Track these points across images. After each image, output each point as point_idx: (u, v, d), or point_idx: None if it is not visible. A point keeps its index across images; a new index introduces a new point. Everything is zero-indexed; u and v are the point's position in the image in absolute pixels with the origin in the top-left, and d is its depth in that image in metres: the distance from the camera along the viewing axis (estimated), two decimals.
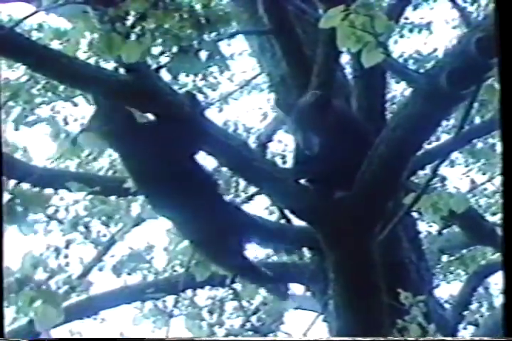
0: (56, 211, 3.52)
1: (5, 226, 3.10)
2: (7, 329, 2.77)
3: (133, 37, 2.26)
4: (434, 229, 4.27)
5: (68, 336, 3.06)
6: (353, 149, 2.56)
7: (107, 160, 4.23)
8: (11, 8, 3.68)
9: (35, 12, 2.53)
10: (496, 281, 4.36)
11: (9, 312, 2.52)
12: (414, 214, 3.60)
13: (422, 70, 3.94)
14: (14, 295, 2.51)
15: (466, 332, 3.92)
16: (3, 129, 3.99)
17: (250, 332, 3.66)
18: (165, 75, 2.48)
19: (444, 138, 3.81)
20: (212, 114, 4.48)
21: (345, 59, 3.43)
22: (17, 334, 2.73)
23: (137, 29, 2.27)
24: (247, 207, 3.74)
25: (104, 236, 3.94)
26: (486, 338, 3.27)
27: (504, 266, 1.31)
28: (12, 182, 3.13)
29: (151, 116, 2.45)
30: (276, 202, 3.37)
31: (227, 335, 3.74)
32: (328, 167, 2.59)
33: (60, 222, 3.51)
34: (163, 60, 2.37)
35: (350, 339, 2.48)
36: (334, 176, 2.58)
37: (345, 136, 2.60)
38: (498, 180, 4.63)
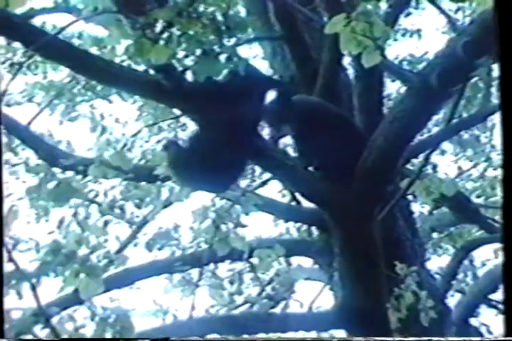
0: (96, 195, 3.53)
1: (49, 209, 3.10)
2: (56, 296, 2.79)
3: (161, 42, 2.26)
4: (426, 209, 4.25)
5: (108, 303, 3.06)
6: (352, 142, 2.56)
7: (139, 151, 4.23)
8: (54, 18, 3.67)
9: (76, 21, 2.53)
10: (479, 255, 4.35)
11: (57, 282, 2.54)
12: (409, 197, 3.59)
13: (415, 71, 3.92)
14: (61, 268, 2.52)
15: (453, 298, 3.91)
16: (48, 124, 4.00)
17: (265, 300, 3.66)
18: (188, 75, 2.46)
19: (435, 130, 3.79)
20: None
21: (347, 61, 3.41)
22: (64, 301, 2.74)
23: (165, 35, 2.26)
24: (262, 191, 3.75)
25: (137, 217, 3.94)
26: (486, 338, 3.24)
27: (504, 267, 1.26)
28: (57, 171, 3.14)
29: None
30: (288, 186, 3.36)
31: (245, 303, 3.74)
32: (332, 156, 2.58)
33: (99, 204, 3.52)
34: (188, 62, 2.36)
35: (350, 339, 2.46)
36: (338, 164, 2.57)
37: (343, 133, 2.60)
38: (482, 167, 4.61)
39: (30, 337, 2.26)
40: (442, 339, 2.92)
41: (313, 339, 2.77)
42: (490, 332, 3.89)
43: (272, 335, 2.97)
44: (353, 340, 2.31)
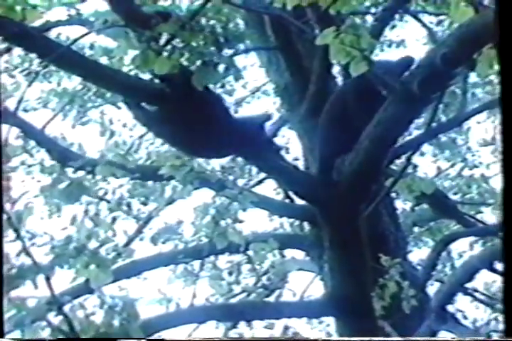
0: (105, 193, 3.52)
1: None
2: (68, 286, 2.78)
3: (165, 54, 2.25)
4: (408, 206, 4.24)
5: (118, 291, 3.04)
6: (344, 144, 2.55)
7: (145, 152, 4.22)
8: (68, 30, 3.65)
9: (88, 33, 2.52)
10: (457, 247, 4.35)
11: (69, 273, 2.53)
12: (393, 195, 3.58)
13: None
14: (73, 260, 2.51)
15: (433, 287, 3.91)
16: (61, 128, 3.99)
17: (261, 289, 3.66)
18: None
19: (416, 133, 3.78)
20: None
21: (336, 70, 3.40)
22: (75, 291, 2.73)
23: (168, 47, 2.25)
24: (258, 189, 3.74)
25: (143, 213, 3.93)
26: (487, 338, 3.22)
27: (505, 268, 1.24)
28: (70, 170, 3.13)
29: None
30: (282, 185, 3.36)
31: (242, 292, 3.73)
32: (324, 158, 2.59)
33: (108, 201, 3.51)
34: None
35: (351, 339, 2.45)
36: (329, 165, 2.57)
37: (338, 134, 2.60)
38: (458, 167, 4.61)
39: (44, 323, 2.25)
40: (443, 339, 2.91)
41: (308, 339, 2.75)
42: (465, 317, 3.90)
43: (266, 322, 2.97)
44: (354, 340, 2.29)
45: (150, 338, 2.38)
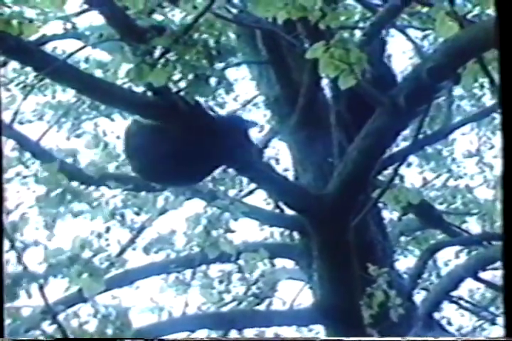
0: (98, 204, 3.50)
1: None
2: (62, 295, 2.76)
3: (158, 67, 2.25)
4: (395, 216, 4.25)
5: (110, 300, 3.02)
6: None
7: None
8: (64, 44, 3.65)
9: (83, 47, 2.52)
10: (442, 256, 4.35)
11: (63, 283, 2.51)
12: (380, 205, 3.59)
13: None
14: (66, 269, 2.49)
15: (419, 295, 3.90)
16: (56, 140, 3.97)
17: (251, 298, 3.65)
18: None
19: (403, 145, 3.79)
20: None
21: (325, 83, 3.41)
22: (69, 300, 2.71)
23: (162, 60, 2.25)
24: (248, 200, 3.73)
25: (136, 223, 3.91)
26: (487, 338, 3.20)
27: (505, 269, 1.24)
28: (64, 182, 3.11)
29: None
30: (272, 195, 3.35)
31: (233, 300, 3.72)
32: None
33: (102, 212, 3.49)
34: (182, 84, 2.34)
35: (349, 339, 2.44)
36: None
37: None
38: (444, 177, 4.62)
39: (38, 332, 2.23)
40: (443, 339, 2.90)
41: (307, 339, 2.74)
42: (450, 324, 3.90)
43: (256, 330, 2.95)
44: (353, 340, 2.27)
45: (149, 338, 2.37)
